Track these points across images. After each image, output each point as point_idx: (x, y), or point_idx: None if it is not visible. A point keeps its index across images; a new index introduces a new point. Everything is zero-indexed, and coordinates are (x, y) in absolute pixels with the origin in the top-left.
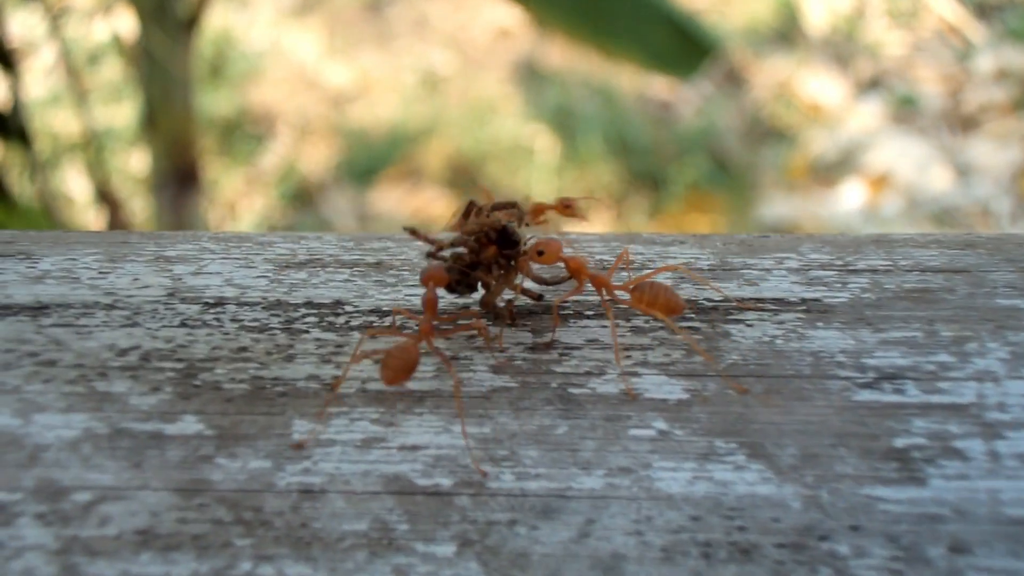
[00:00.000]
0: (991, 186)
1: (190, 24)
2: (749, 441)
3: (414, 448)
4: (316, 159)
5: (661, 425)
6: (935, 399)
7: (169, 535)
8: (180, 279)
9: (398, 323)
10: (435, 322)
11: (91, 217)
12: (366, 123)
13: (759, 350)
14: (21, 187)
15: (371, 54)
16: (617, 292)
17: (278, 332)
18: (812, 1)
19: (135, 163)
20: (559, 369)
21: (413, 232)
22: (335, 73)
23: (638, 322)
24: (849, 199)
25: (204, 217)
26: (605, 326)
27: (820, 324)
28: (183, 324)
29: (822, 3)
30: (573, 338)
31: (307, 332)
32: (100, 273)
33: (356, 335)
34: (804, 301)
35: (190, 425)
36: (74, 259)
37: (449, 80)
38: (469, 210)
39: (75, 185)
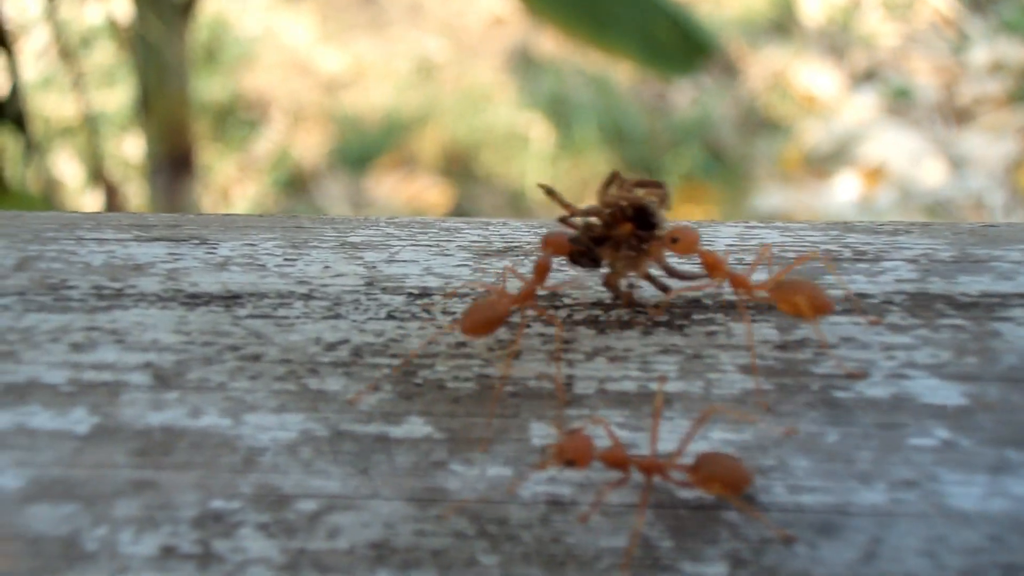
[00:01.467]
0: (985, 178)
1: (185, 8)
2: None
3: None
4: (309, 145)
5: (943, 434)
6: None
7: (407, 549)
8: (375, 267)
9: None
10: (540, 291)
11: (86, 201)
12: (360, 110)
13: None
14: (14, 171)
15: (365, 40)
16: (757, 291)
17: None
18: None
19: (129, 148)
20: (817, 370)
21: (549, 192)
22: (328, 59)
23: (894, 319)
24: (843, 191)
25: (198, 203)
26: (857, 323)
27: None
28: (390, 316)
29: None
30: (827, 334)
31: (528, 326)
32: (286, 260)
33: (583, 329)
34: None
35: (417, 427)
36: (253, 244)
37: (443, 67)
38: (611, 180)
39: (67, 169)
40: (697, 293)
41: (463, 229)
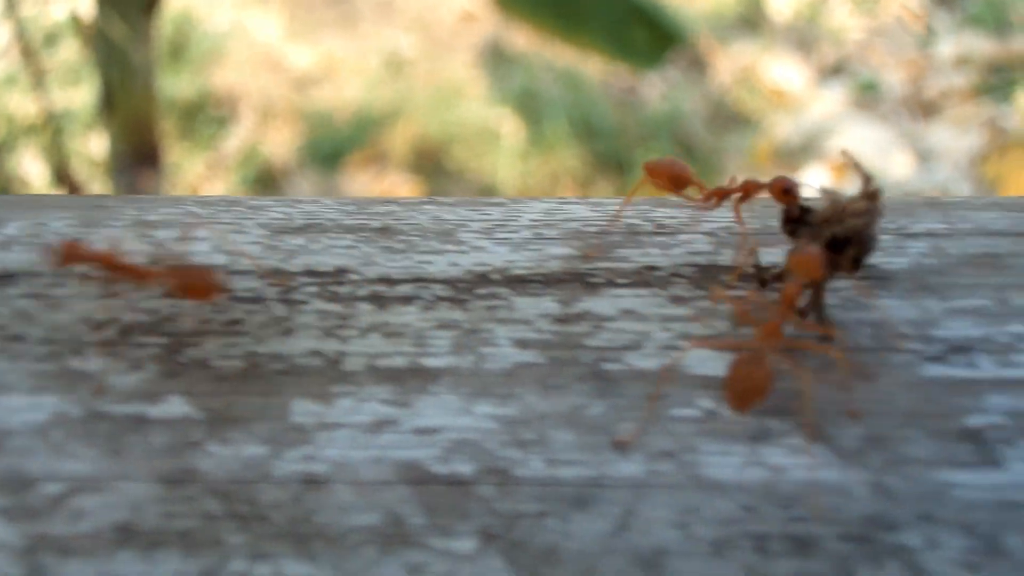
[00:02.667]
0: (951, 171)
1: (150, 4)
2: (807, 421)
3: (430, 431)
4: (280, 143)
5: (707, 404)
6: (1011, 373)
7: (152, 531)
8: (162, 245)
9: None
10: (786, 326)
11: None
12: (330, 106)
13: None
14: None
15: (335, 36)
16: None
17: (274, 303)
18: None
19: (94, 146)
20: (591, 343)
21: (855, 164)
22: (298, 55)
23: (677, 291)
24: (813, 184)
25: None
26: (639, 295)
27: (881, 292)
28: (166, 294)
29: None
30: (605, 308)
31: (307, 303)
32: (73, 239)
33: (363, 306)
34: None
35: (176, 407)
36: (43, 223)
37: (414, 63)
38: (801, 214)
39: (31, 168)
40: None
41: (269, 207)
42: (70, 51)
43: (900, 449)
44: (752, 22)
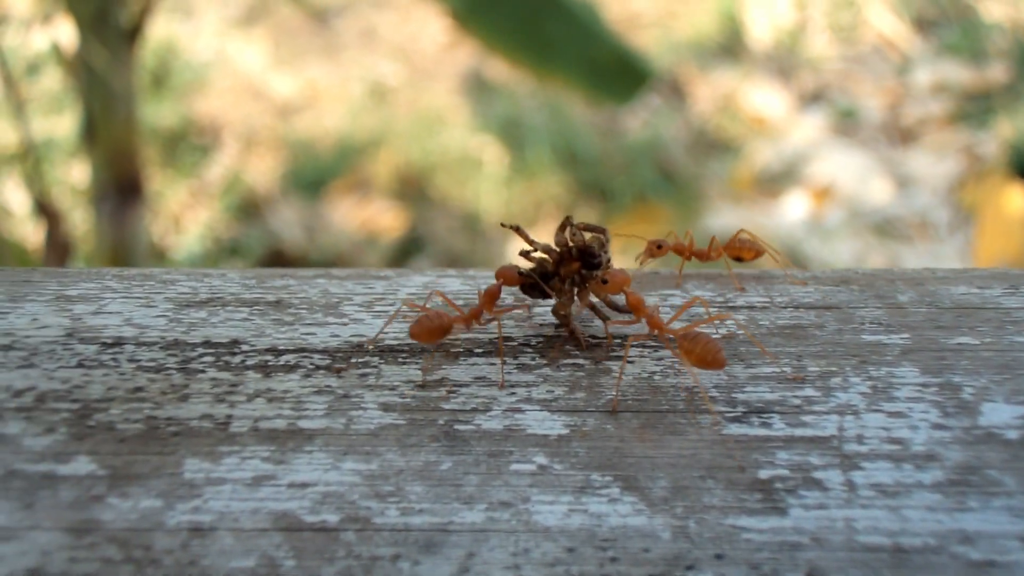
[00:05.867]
0: (930, 197)
1: (132, 34)
2: (624, 474)
3: (303, 485)
4: (263, 171)
5: (541, 460)
6: (799, 432)
7: (59, 574)
8: (80, 319)
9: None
10: (486, 316)
11: (30, 230)
12: (314, 134)
13: (637, 385)
14: None
15: (318, 65)
16: (669, 335)
17: (174, 372)
18: (755, 16)
19: (76, 175)
20: (447, 406)
21: (516, 229)
22: (281, 84)
23: (524, 359)
24: (793, 210)
25: (147, 230)
26: (493, 363)
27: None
28: (80, 364)
29: (765, 18)
30: (461, 375)
31: (203, 372)
32: (0, 313)
33: (251, 374)
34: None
35: (83, 465)
36: None
37: (397, 91)
38: (564, 225)
39: (12, 198)
40: (627, 329)
41: (179, 281)
42: (53, 80)
43: (701, 498)
44: (732, 50)
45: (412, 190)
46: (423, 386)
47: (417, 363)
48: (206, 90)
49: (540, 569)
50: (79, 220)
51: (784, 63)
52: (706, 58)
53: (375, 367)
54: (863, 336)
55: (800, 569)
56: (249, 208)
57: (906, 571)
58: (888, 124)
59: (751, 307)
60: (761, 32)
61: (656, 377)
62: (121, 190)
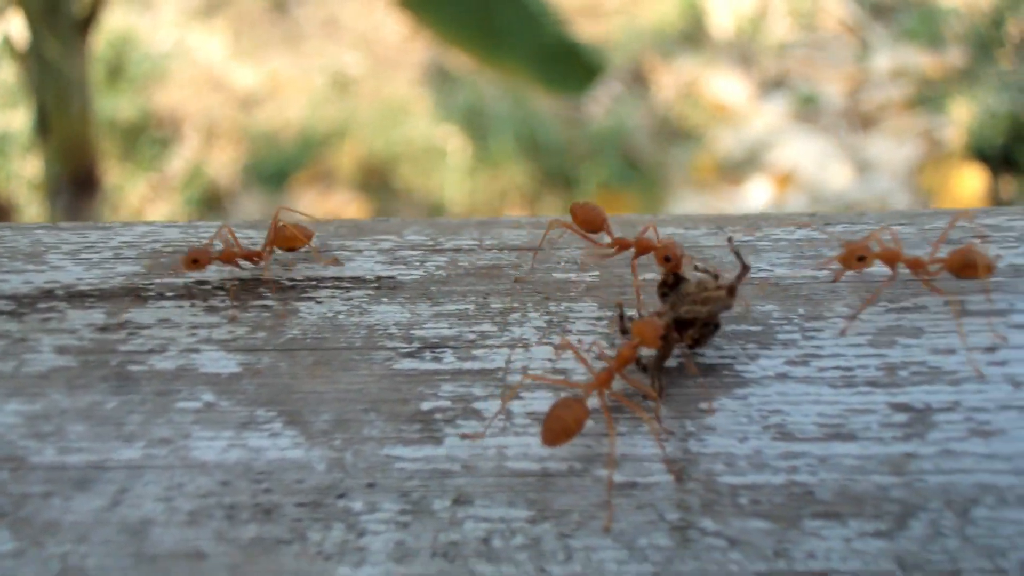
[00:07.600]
0: (889, 181)
1: (84, 25)
2: (289, 409)
3: None
4: (224, 163)
5: (208, 397)
6: (467, 365)
7: None
8: None
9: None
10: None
11: None
12: (275, 125)
13: (320, 325)
14: None
15: (279, 55)
16: (931, 266)
17: None
18: (717, 3)
19: (31, 169)
20: (123, 348)
21: (620, 310)
22: (242, 75)
23: (215, 302)
24: (756, 195)
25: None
26: (180, 307)
27: (384, 300)
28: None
29: (726, 5)
30: (147, 319)
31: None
32: None
33: None
34: (379, 279)
35: None
36: None
37: (360, 81)
38: (675, 281)
39: None
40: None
41: None
42: (6, 73)
43: (361, 430)
44: (694, 38)
45: (376, 181)
46: (104, 329)
47: (104, 308)
48: (166, 82)
49: (193, 500)
50: (35, 214)
51: (745, 51)
52: (668, 46)
53: (60, 312)
54: (554, 275)
55: (448, 496)
56: (211, 201)
57: (550, 494)
58: (848, 110)
59: (457, 249)
60: (722, 20)
61: (340, 316)
62: (76, 183)
